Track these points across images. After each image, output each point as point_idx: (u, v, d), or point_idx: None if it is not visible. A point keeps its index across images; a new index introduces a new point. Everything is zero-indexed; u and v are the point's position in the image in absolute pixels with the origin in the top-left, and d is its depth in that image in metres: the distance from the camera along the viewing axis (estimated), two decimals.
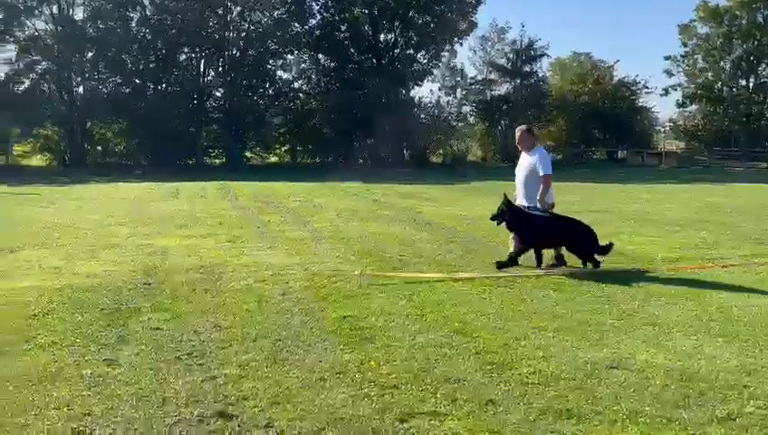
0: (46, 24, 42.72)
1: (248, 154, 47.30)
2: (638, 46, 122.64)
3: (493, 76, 52.85)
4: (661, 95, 56.59)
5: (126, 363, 4.95)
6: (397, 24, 47.50)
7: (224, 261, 9.11)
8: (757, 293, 7.36)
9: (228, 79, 45.34)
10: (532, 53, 51.84)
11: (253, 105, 46.11)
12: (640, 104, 56.72)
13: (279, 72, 48.23)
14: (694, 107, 55.28)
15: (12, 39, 42.46)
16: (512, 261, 8.57)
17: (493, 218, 8.88)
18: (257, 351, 5.24)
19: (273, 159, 50.24)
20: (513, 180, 9.37)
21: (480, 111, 52.29)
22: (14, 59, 42.74)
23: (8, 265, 8.81)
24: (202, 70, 46.29)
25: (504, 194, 8.80)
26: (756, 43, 50.67)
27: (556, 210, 9.00)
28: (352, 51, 48.18)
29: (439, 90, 52.30)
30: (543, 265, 8.72)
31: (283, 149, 50.94)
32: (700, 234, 12.23)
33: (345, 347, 5.34)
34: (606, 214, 15.33)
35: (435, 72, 50.48)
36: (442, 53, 49.62)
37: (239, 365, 4.91)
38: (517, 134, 9.31)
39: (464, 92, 52.85)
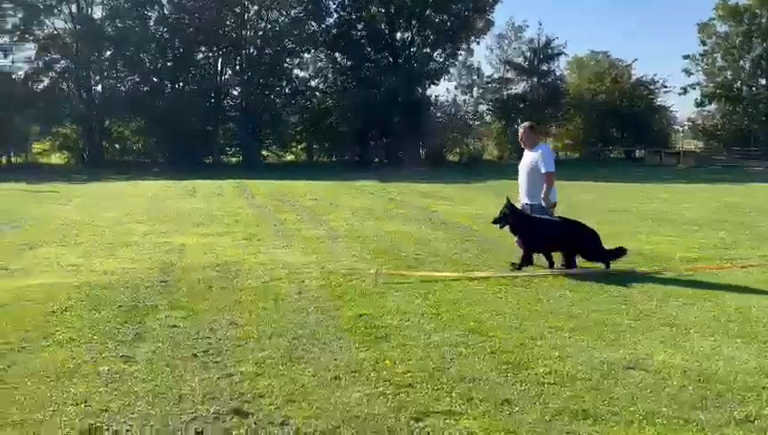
0: (65, 22, 43.23)
1: (265, 153, 47.52)
2: (656, 45, 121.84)
3: (509, 75, 52.79)
4: (680, 94, 56.10)
5: (143, 360, 4.98)
6: (414, 22, 47.51)
7: (240, 259, 9.14)
8: None
9: (245, 77, 45.56)
10: (550, 51, 51.69)
11: (269, 104, 46.31)
12: (658, 103, 56.38)
13: (296, 71, 48.54)
14: (713, 106, 54.84)
15: (31, 38, 42.95)
16: (526, 261, 8.51)
17: (495, 222, 8.78)
18: (273, 348, 5.25)
19: (290, 157, 50.44)
20: None
21: (496, 109, 52.19)
22: (33, 57, 43.23)
23: (27, 263, 8.90)
24: (219, 68, 46.60)
25: (507, 197, 8.73)
26: None
27: (559, 210, 8.91)
28: (369, 49, 48.23)
29: (456, 88, 52.43)
30: (555, 266, 8.63)
31: (299, 147, 51.12)
32: (719, 234, 12.12)
33: (360, 345, 5.34)
34: (624, 213, 15.24)
35: (451, 70, 50.58)
36: (459, 52, 49.61)
37: (255, 363, 4.93)
38: (520, 131, 9.23)
39: (480, 91, 52.89)
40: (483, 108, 53.48)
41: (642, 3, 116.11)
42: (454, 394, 4.36)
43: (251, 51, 45.73)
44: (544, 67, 52.04)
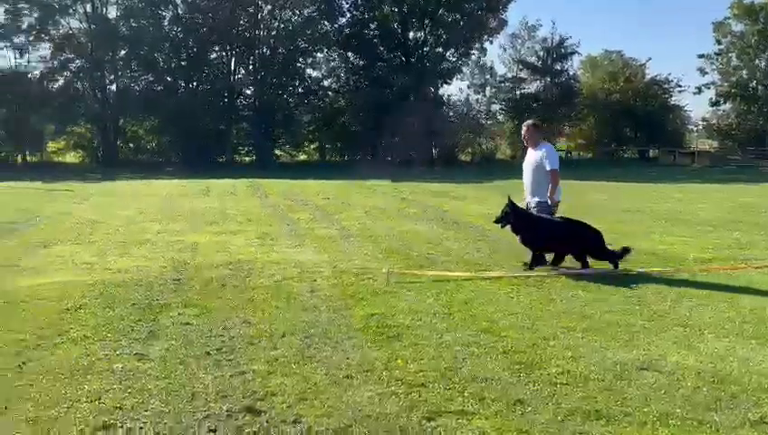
0: (80, 22, 43.54)
1: (278, 152, 47.64)
2: (671, 44, 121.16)
3: (523, 74, 52.55)
4: (694, 93, 55.79)
5: (156, 358, 5.01)
6: (426, 21, 47.45)
7: (253, 258, 9.17)
8: None
9: (258, 77, 45.70)
10: (563, 50, 51.43)
11: (282, 103, 46.46)
12: (673, 103, 56.02)
13: (308, 71, 48.68)
14: (727, 106, 54.39)
15: (47, 37, 43.23)
16: (538, 261, 8.47)
17: (496, 221, 8.73)
18: (285, 347, 5.27)
19: (303, 156, 50.57)
20: None
21: (509, 109, 51.98)
22: (48, 57, 43.55)
23: (42, 261, 8.97)
24: (232, 68, 46.79)
25: (509, 196, 8.67)
26: None
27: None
28: (381, 49, 48.23)
29: (468, 88, 52.34)
30: (560, 265, 8.58)
31: (311, 146, 51.26)
32: (733, 234, 12.03)
33: (372, 345, 5.35)
34: (637, 213, 15.17)
35: (464, 70, 50.51)
36: (472, 51, 49.46)
37: (267, 361, 4.95)
38: (523, 129, 9.15)
39: (493, 90, 52.68)
40: (495, 107, 53.40)
41: (656, 1, 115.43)
42: (466, 394, 4.36)
43: (264, 50, 45.86)
44: (558, 66, 51.81)
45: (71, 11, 43.17)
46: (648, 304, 6.75)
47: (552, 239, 8.50)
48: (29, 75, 43.18)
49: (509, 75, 52.84)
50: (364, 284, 7.58)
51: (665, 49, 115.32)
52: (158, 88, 44.89)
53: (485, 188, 24.16)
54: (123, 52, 44.44)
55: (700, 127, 59.16)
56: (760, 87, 52.45)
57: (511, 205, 8.52)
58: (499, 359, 5.05)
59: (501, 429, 3.88)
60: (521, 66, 52.40)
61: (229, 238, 11.00)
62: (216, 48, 46.02)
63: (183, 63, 45.37)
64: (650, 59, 73.32)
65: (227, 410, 4.08)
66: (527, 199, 8.94)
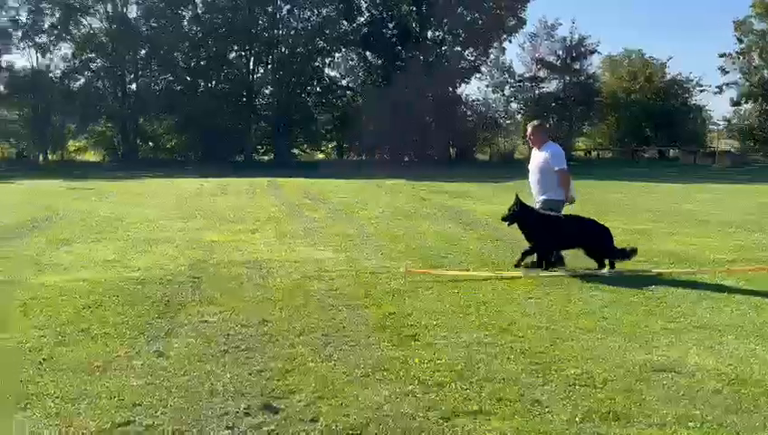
0: (101, 22, 43.97)
1: (296, 151, 47.77)
2: (691, 43, 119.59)
3: (542, 73, 52.24)
4: (715, 93, 55.09)
5: (175, 355, 5.05)
6: (445, 20, 47.30)
7: (271, 256, 9.21)
8: None
9: (277, 77, 45.87)
10: (583, 49, 51.08)
11: (301, 102, 46.64)
12: (693, 102, 55.43)
13: (327, 70, 48.74)
14: (749, 105, 53.73)
15: (68, 37, 43.66)
16: (551, 261, 8.42)
17: (504, 219, 8.67)
18: (303, 346, 5.28)
19: (320, 155, 50.65)
20: None
21: (528, 108, 51.70)
22: (70, 56, 44.00)
23: (63, 258, 9.06)
24: (251, 67, 46.97)
25: (516, 194, 8.59)
26: None
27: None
28: (399, 48, 48.13)
29: (487, 87, 52.07)
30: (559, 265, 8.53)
31: (329, 145, 51.33)
32: (754, 235, 11.89)
33: (390, 344, 5.35)
34: (657, 213, 15.04)
35: (483, 69, 50.26)
36: (490, 50, 49.28)
37: (285, 359, 4.96)
38: (529, 130, 9.09)
39: (512, 90, 52.42)
40: (514, 106, 53.12)
41: (677, 0, 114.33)
42: (483, 394, 4.35)
43: (282, 50, 46.00)
44: (577, 66, 51.48)
45: (91, 11, 43.62)
46: (667, 305, 6.69)
47: (561, 236, 8.42)
48: (51, 75, 43.67)
49: (528, 74, 52.57)
50: (382, 283, 7.59)
51: (686, 48, 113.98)
52: (178, 87, 45.21)
53: (504, 188, 24.03)
54: (143, 51, 44.81)
55: (721, 127, 58.49)
56: None
57: (518, 203, 8.47)
58: (517, 359, 5.03)
59: (519, 429, 3.87)
60: (540, 65, 52.09)
61: (247, 237, 11.05)
62: (235, 48, 46.23)
63: (202, 63, 45.63)
64: (671, 58, 72.80)
65: (245, 408, 4.10)
66: (536, 199, 8.86)
